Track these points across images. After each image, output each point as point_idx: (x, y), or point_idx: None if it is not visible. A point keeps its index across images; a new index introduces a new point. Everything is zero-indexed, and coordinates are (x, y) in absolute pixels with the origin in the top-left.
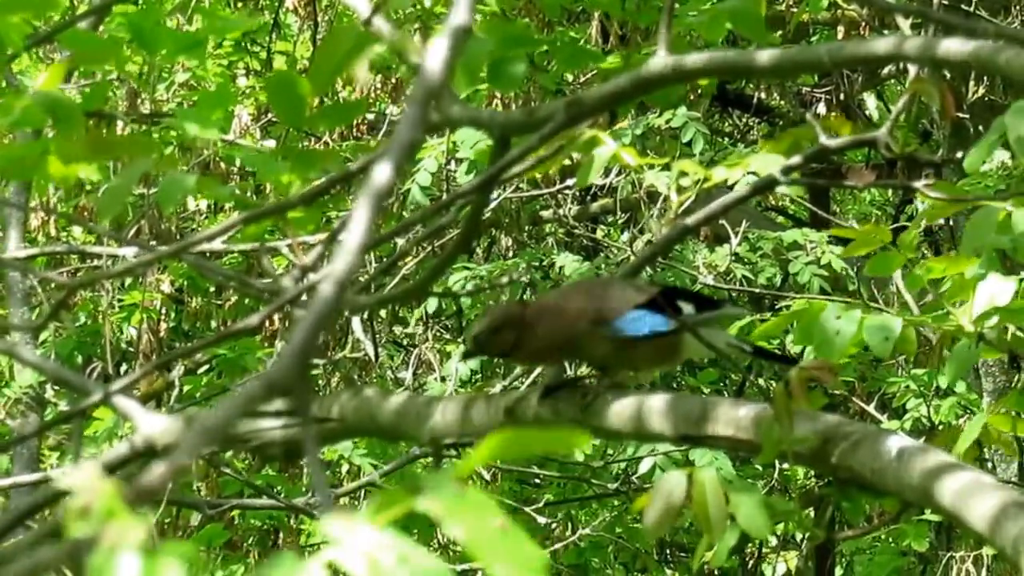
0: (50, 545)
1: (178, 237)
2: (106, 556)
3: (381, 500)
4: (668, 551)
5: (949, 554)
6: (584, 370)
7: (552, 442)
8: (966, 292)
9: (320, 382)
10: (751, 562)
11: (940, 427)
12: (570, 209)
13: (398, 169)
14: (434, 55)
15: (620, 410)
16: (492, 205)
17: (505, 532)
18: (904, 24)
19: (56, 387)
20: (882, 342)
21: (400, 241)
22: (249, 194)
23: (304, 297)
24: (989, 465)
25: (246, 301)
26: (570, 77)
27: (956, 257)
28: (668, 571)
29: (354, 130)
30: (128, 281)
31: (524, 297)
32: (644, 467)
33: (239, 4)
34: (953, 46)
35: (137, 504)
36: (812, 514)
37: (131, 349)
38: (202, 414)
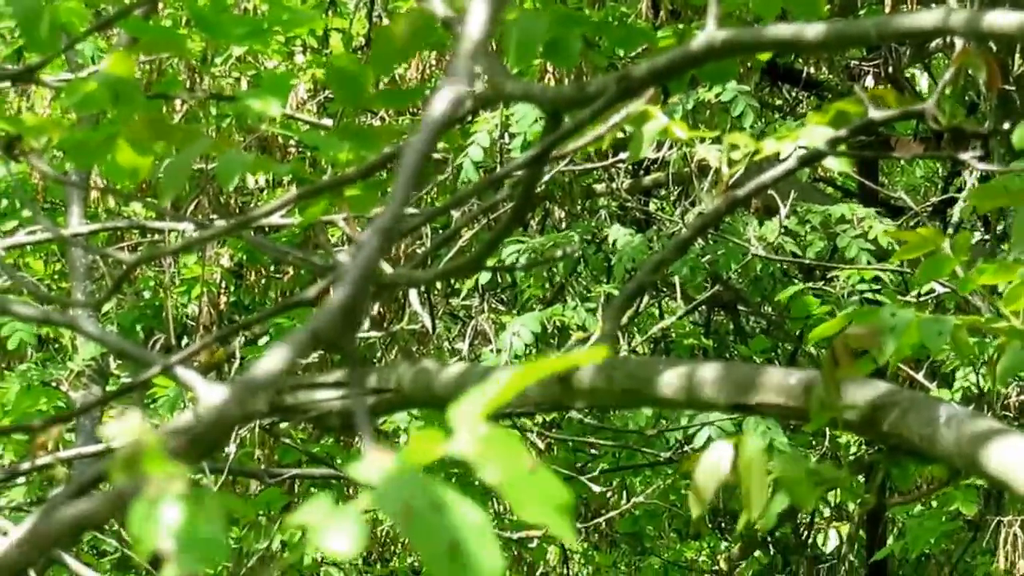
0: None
1: (237, 212)
2: (149, 505)
3: (414, 443)
4: (722, 519)
5: (997, 519)
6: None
7: (562, 364)
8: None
9: (378, 354)
10: (804, 531)
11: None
12: (623, 182)
13: (448, 118)
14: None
15: (673, 378)
16: (545, 179)
17: (535, 473)
18: None
19: (118, 360)
20: (936, 337)
21: (456, 215)
22: (306, 166)
23: None
24: None
25: (303, 273)
26: (621, 52)
27: (1007, 263)
28: (721, 539)
29: (410, 107)
30: (191, 258)
31: (577, 269)
32: (699, 440)
33: None
34: (999, 19)
35: (186, 454)
36: (863, 481)
37: (192, 322)
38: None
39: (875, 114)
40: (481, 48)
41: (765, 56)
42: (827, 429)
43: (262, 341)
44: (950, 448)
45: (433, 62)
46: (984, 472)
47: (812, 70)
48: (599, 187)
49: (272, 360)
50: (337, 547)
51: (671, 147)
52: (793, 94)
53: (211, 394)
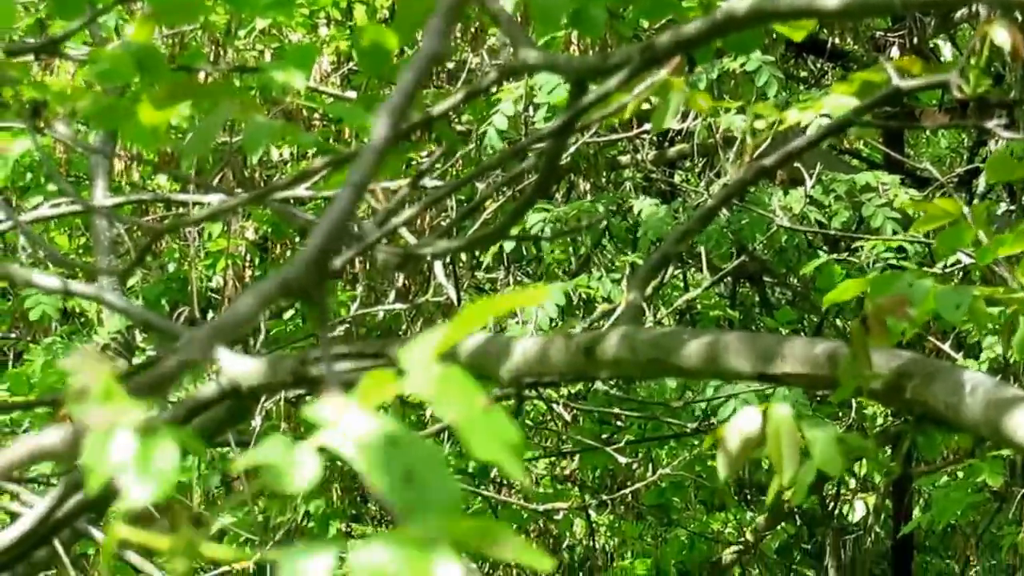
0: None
1: (262, 185)
2: (101, 436)
3: (367, 384)
4: (747, 491)
5: (1023, 490)
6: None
7: (520, 300)
8: None
9: (404, 326)
10: (830, 503)
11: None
12: (647, 154)
13: (419, 80)
14: None
15: (697, 348)
16: (570, 151)
17: (488, 413)
18: None
19: (144, 333)
20: (953, 309)
21: (480, 187)
22: (330, 140)
23: (385, 241)
24: None
25: None
26: (646, 24)
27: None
28: (747, 510)
29: (434, 78)
30: (216, 230)
31: (602, 241)
32: (724, 413)
33: None
34: None
35: (143, 395)
36: (889, 452)
37: (216, 295)
38: (224, 318)
39: (900, 83)
40: (458, 8)
41: (799, 35)
42: (853, 400)
43: (287, 314)
44: (975, 416)
45: (458, 33)
46: (1010, 441)
47: (837, 41)
48: (624, 159)
49: (240, 306)
50: (291, 484)
51: (696, 118)
52: (818, 65)
53: (236, 366)
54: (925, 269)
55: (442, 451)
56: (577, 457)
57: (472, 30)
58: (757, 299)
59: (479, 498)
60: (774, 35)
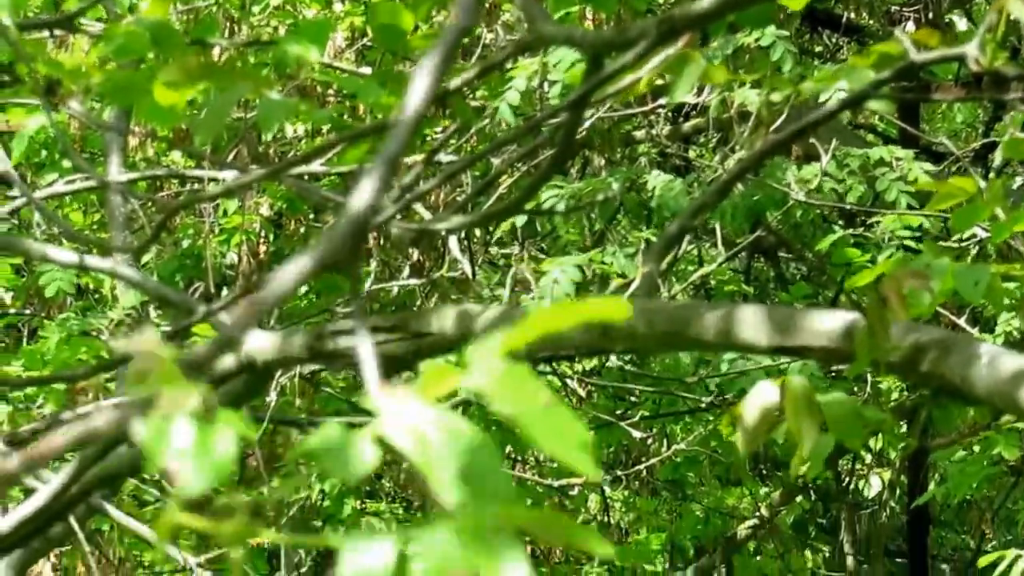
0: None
1: (276, 161)
2: (161, 422)
3: (428, 375)
4: (762, 466)
5: None
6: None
7: (593, 311)
8: None
9: (418, 302)
10: (845, 478)
11: None
12: (662, 129)
13: (449, 56)
14: None
15: (713, 321)
16: (585, 125)
17: (551, 409)
18: None
19: (159, 309)
20: (972, 288)
21: (495, 161)
22: (345, 117)
23: (400, 217)
24: None
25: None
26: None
27: None
28: (762, 485)
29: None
30: (231, 207)
31: (617, 216)
32: (737, 387)
33: None
34: None
35: (187, 375)
36: (905, 426)
37: (231, 272)
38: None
39: (917, 56)
40: None
41: (799, 3)
42: (868, 376)
43: (302, 289)
44: (991, 388)
45: None
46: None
47: (852, 15)
48: (639, 134)
49: (279, 282)
50: (345, 475)
51: (711, 92)
52: (833, 40)
53: (252, 340)
54: (941, 243)
55: (496, 443)
56: (591, 432)
57: (487, 5)
58: (772, 274)
59: None
60: (788, 10)
